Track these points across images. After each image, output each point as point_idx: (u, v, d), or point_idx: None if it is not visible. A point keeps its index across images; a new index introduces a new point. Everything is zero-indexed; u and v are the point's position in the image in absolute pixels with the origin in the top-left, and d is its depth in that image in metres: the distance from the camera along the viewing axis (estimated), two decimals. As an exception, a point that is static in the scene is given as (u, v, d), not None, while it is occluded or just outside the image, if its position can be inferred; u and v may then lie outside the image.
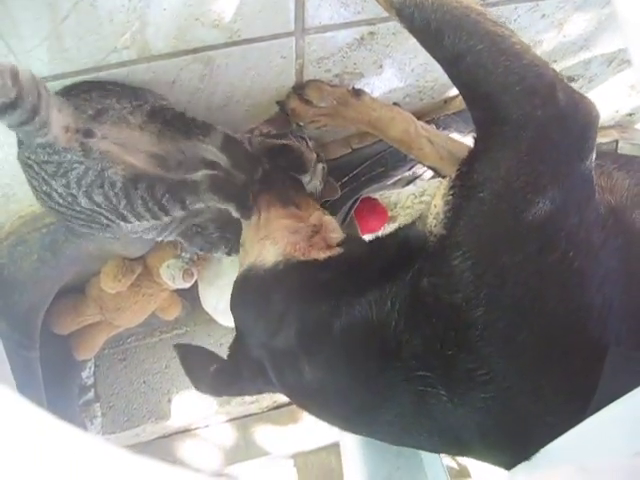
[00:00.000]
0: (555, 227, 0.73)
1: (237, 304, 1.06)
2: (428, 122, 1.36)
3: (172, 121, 1.07)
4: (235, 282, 1.07)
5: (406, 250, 0.88)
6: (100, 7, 0.95)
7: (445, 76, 1.33)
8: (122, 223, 1.09)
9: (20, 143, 1.03)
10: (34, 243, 1.35)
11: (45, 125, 0.94)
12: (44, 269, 1.39)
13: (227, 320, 1.62)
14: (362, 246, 1.02)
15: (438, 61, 0.89)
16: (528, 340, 0.72)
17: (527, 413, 0.73)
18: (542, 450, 0.57)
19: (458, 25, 0.83)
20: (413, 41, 1.19)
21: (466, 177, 0.81)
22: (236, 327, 1.07)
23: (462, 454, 0.87)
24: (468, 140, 1.39)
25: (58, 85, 1.06)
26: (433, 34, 0.86)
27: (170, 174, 1.06)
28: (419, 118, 1.39)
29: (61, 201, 1.06)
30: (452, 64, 0.86)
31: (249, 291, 1.04)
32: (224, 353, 1.77)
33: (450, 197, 0.82)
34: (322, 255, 0.99)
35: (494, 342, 0.73)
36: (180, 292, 1.72)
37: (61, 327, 1.62)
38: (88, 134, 1.00)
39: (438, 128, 1.36)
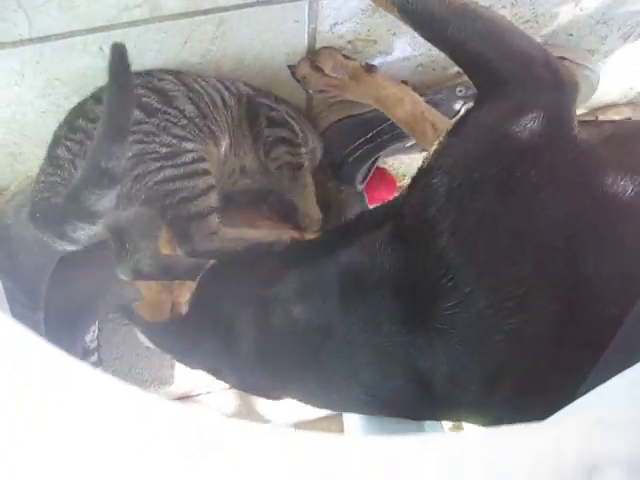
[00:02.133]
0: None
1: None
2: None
3: None
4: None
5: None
6: (112, -37, 0.94)
7: (459, 46, 1.33)
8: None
9: None
10: (41, 204, 1.35)
11: None
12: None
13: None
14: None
15: (442, 48, 0.99)
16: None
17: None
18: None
19: (461, 14, 0.94)
20: (428, 8, 1.19)
21: (458, 124, 0.90)
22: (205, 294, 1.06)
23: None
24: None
25: (68, 43, 1.05)
26: (437, 24, 0.95)
27: None
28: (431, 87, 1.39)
29: None
30: (458, 48, 0.95)
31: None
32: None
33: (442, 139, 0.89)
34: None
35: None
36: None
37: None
38: None
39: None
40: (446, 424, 1.45)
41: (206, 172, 1.06)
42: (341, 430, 1.25)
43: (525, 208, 0.78)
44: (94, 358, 1.85)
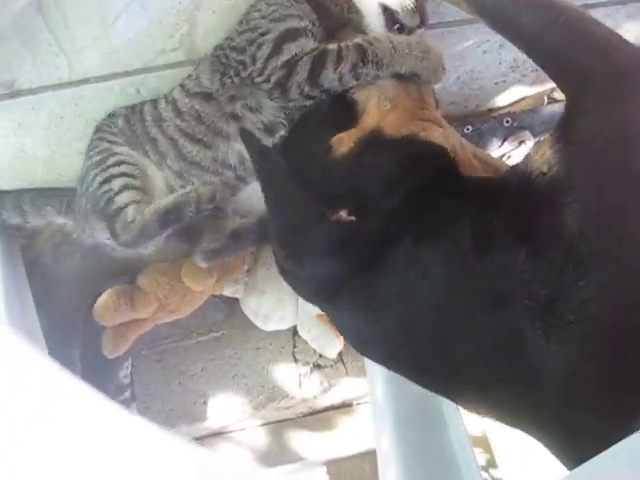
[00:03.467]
0: None
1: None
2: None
3: None
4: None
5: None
6: (150, 9, 0.96)
7: (490, 85, 1.33)
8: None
9: None
10: (78, 243, 1.37)
11: None
12: (87, 269, 1.41)
13: (267, 324, 1.61)
14: None
15: (516, 42, 0.90)
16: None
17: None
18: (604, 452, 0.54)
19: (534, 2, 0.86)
20: (460, 48, 1.19)
21: (572, 130, 0.80)
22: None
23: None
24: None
25: (107, 86, 1.07)
26: (510, 16, 0.88)
27: None
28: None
29: None
30: (535, 42, 0.87)
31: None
32: (261, 357, 1.76)
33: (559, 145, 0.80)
34: None
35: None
36: (218, 295, 1.72)
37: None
38: None
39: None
40: (480, 461, 1.41)
41: (122, 174, 1.08)
42: (375, 470, 1.23)
43: None
44: (127, 394, 1.86)
